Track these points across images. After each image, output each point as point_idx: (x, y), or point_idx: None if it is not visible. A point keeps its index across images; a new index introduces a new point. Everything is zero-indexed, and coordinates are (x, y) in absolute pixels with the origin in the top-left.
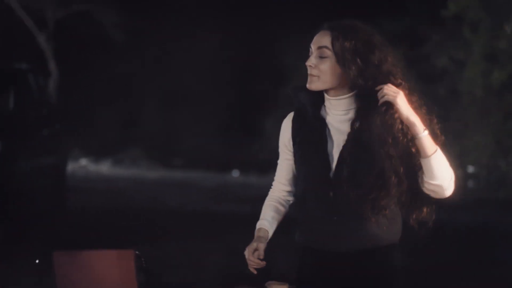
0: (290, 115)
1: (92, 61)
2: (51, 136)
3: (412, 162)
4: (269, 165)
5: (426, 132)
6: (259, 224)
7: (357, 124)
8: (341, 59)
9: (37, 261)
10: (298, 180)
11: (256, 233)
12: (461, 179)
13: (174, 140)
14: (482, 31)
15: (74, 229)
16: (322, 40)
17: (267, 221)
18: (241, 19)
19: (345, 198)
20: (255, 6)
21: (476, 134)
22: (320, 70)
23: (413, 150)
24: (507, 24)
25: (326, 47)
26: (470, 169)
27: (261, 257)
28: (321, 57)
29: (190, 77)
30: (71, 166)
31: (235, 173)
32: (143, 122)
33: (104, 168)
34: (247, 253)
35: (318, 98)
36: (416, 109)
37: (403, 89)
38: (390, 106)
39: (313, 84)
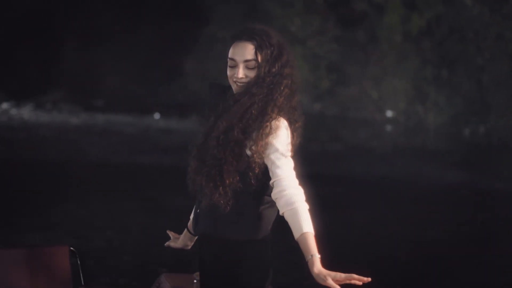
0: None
1: None
2: None
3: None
4: (189, 107)
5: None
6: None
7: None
8: (264, 66)
9: None
10: None
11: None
12: (380, 124)
13: (94, 81)
14: None
15: None
16: (246, 53)
17: None
18: None
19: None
20: None
21: (394, 80)
22: (249, 77)
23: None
24: None
25: (252, 59)
26: (389, 113)
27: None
28: (249, 68)
29: (109, 16)
30: None
31: (157, 116)
32: (63, 62)
33: (26, 112)
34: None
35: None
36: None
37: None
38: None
39: (241, 88)
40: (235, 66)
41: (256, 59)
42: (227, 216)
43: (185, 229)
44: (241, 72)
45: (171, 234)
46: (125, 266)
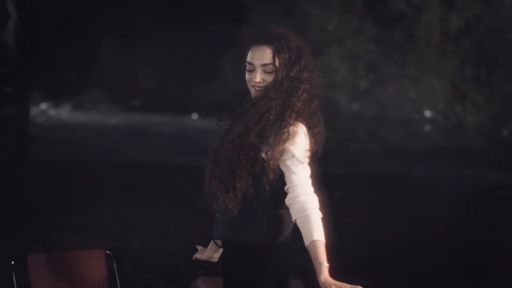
0: None
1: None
2: (13, 91)
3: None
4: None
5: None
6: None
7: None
8: (281, 70)
9: (12, 262)
10: None
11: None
12: (418, 124)
13: (132, 81)
14: None
15: (34, 188)
16: (264, 57)
17: None
18: None
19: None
20: None
21: (433, 79)
22: (267, 81)
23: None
24: None
25: (270, 63)
26: (427, 113)
27: None
28: (267, 72)
29: (147, 16)
30: (32, 112)
31: (195, 116)
32: (101, 63)
33: (64, 113)
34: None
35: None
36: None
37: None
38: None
39: (259, 92)
40: (253, 70)
41: (273, 63)
42: (240, 220)
43: (212, 241)
44: (258, 76)
45: (199, 247)
46: (162, 268)
